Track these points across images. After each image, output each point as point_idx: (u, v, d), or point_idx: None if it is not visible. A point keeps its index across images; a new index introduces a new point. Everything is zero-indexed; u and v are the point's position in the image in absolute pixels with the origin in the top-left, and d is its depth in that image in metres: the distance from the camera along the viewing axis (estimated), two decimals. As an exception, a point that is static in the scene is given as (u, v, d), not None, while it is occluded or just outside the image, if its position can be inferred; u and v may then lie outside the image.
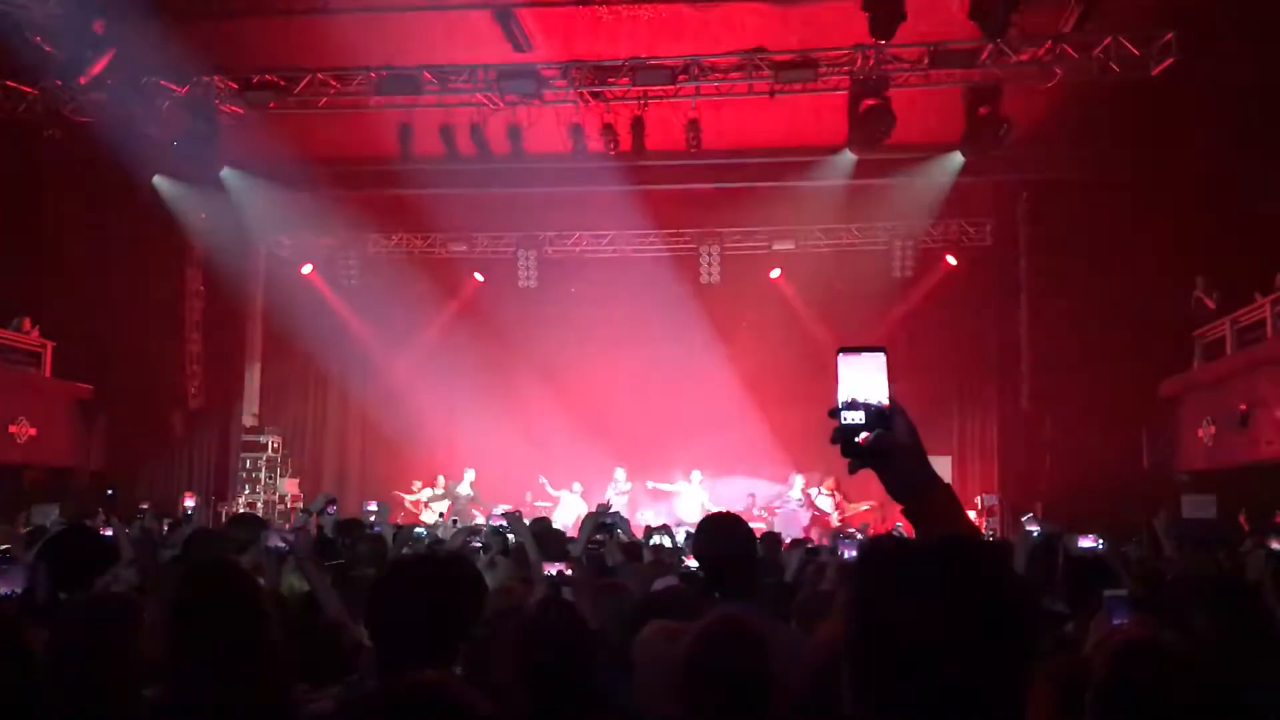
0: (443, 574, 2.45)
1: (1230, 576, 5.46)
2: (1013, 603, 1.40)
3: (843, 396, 1.71)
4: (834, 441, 1.70)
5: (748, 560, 3.59)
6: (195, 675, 2.43)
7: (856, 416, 1.70)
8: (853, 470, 1.71)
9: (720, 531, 3.63)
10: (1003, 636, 1.37)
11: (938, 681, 1.35)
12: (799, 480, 17.33)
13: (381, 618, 2.53)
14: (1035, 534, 6.46)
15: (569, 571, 3.98)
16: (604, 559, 6.07)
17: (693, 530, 9.94)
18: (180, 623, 2.49)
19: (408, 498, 17.53)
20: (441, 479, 17.77)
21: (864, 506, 16.51)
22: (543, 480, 17.73)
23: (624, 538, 6.77)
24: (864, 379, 1.71)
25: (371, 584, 2.67)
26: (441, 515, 16.40)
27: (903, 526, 14.66)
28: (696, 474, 17.73)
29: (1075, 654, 3.58)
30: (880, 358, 1.73)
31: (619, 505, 15.54)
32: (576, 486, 17.69)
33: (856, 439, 1.69)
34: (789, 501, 17.12)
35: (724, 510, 4.00)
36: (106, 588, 4.77)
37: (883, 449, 1.68)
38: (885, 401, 1.70)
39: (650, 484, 17.88)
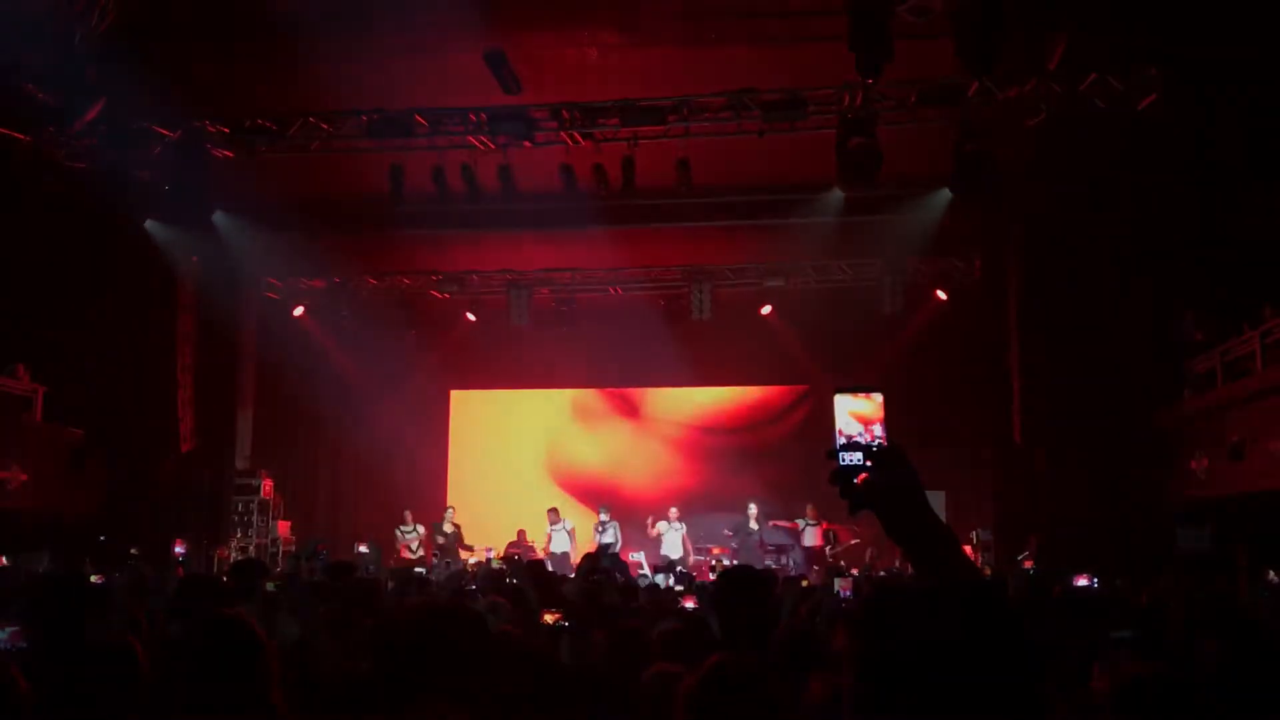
0: (449, 623, 2.42)
1: (1233, 607, 5.47)
2: (1018, 649, 1.39)
3: (840, 437, 1.70)
4: (832, 483, 1.69)
5: (766, 614, 3.53)
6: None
7: (855, 457, 1.68)
8: (852, 512, 1.69)
9: (743, 586, 3.56)
10: (1008, 682, 1.36)
11: None
12: (753, 509, 17.31)
13: (388, 664, 2.49)
14: (1030, 571, 6.45)
15: (565, 622, 3.95)
16: (603, 598, 6.04)
17: (683, 571, 9.93)
18: (182, 675, 2.46)
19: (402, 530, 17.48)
20: (450, 510, 17.68)
21: (854, 542, 16.48)
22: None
23: (620, 579, 6.74)
24: (862, 419, 1.70)
25: (376, 630, 2.63)
26: (436, 554, 16.34)
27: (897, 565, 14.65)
28: (677, 520, 17.63)
29: (1078, 691, 3.56)
30: (877, 398, 1.72)
31: (604, 544, 15.49)
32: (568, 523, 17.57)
33: (855, 480, 1.67)
34: (749, 533, 17.04)
35: (744, 565, 3.98)
36: (100, 637, 4.73)
37: (882, 490, 1.67)
38: (884, 441, 1.69)
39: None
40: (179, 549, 13.00)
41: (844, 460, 1.69)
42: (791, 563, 16.25)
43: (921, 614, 1.40)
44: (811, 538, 16.62)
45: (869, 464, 1.68)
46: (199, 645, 2.53)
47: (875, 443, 1.69)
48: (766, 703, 2.55)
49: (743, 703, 2.53)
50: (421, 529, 17.49)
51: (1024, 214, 15.61)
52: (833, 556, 16.21)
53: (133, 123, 13.79)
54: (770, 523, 17.24)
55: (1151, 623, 5.14)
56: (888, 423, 1.70)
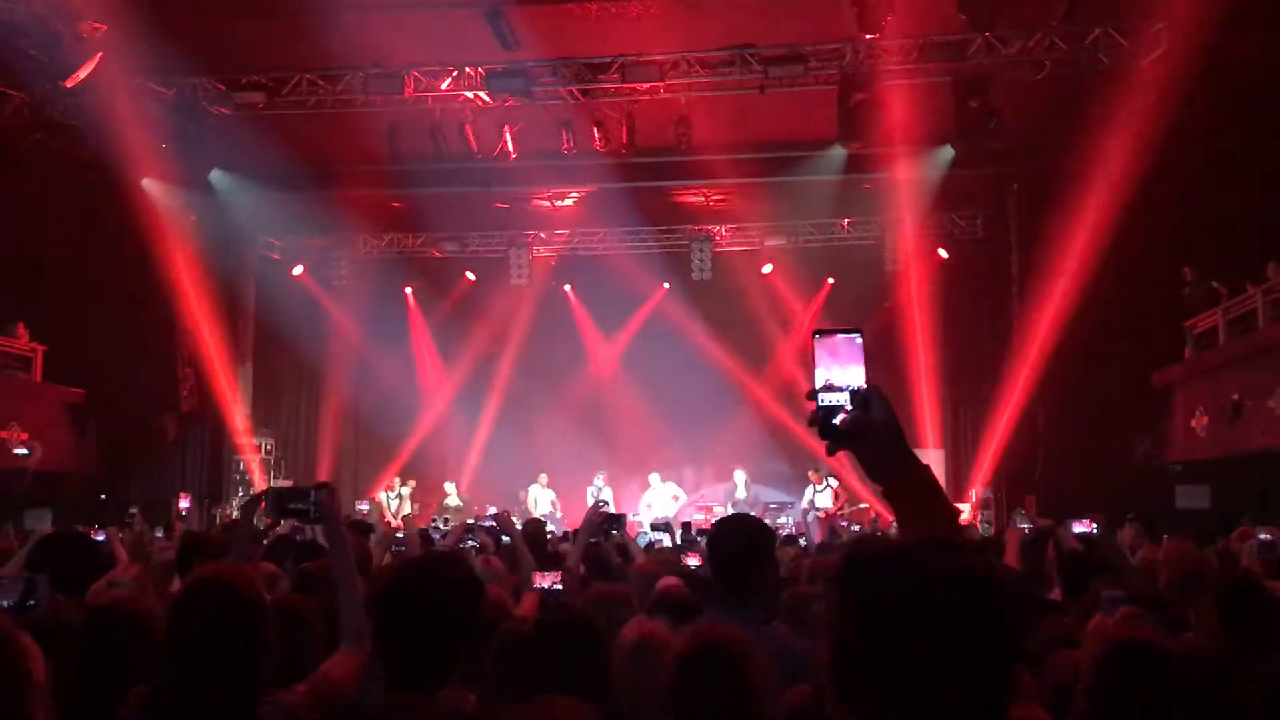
0: (444, 577, 2.41)
1: (1231, 571, 5.47)
2: (998, 604, 1.36)
3: (820, 379, 1.71)
4: (811, 424, 1.70)
5: (761, 563, 3.46)
6: (189, 687, 2.40)
7: (834, 398, 1.70)
8: (830, 452, 1.71)
9: (738, 534, 3.49)
10: (987, 638, 1.34)
11: (921, 684, 1.31)
12: (741, 476, 17.34)
13: (385, 624, 2.48)
14: (1026, 529, 6.45)
15: (560, 585, 3.93)
16: (604, 559, 6.04)
17: (688, 533, 9.93)
18: (177, 635, 2.46)
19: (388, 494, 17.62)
20: (450, 486, 17.76)
21: (863, 505, 16.47)
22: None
23: (619, 538, 6.74)
24: (841, 361, 1.71)
25: (376, 587, 2.62)
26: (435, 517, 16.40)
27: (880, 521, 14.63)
28: (656, 478, 17.71)
29: (1071, 650, 3.56)
30: (856, 339, 1.73)
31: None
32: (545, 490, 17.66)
33: (834, 420, 1.69)
34: (736, 500, 17.09)
35: (742, 512, 3.88)
36: (105, 594, 4.74)
37: (860, 430, 1.68)
38: (862, 383, 1.70)
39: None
40: (184, 503, 12.97)
41: (823, 401, 1.70)
42: (791, 523, 16.28)
43: (904, 569, 1.36)
44: (825, 501, 16.52)
45: (848, 404, 1.69)
46: (189, 604, 2.51)
47: (854, 384, 1.70)
48: (748, 675, 2.54)
49: (725, 679, 2.53)
50: (406, 490, 17.60)
51: (1026, 171, 15.51)
52: (844, 518, 16.21)
53: (129, 80, 13.67)
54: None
55: (1146, 582, 5.16)
56: (867, 364, 1.70)
